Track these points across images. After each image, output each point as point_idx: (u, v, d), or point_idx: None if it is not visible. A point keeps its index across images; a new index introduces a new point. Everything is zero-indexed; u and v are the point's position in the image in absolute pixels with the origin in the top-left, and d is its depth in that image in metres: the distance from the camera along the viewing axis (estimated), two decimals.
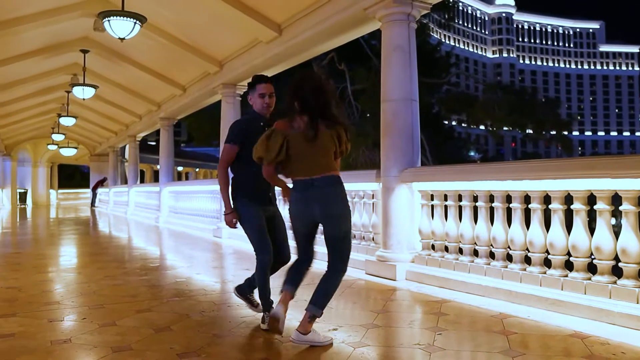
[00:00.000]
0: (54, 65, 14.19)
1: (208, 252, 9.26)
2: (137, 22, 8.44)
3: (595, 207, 4.35)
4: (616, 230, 4.25)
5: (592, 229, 4.44)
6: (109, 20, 8.35)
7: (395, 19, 6.37)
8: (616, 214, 4.44)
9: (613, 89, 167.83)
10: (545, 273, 4.70)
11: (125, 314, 4.47)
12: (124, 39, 8.52)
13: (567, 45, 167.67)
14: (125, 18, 8.35)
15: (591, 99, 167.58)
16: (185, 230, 13.19)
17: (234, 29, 9.66)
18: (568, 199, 4.61)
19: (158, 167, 17.05)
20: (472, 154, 67.40)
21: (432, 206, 5.96)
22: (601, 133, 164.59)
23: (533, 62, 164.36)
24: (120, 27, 8.39)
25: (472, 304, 4.77)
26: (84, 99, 14.14)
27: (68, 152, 29.40)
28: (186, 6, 9.57)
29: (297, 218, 3.68)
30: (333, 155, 3.64)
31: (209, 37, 10.65)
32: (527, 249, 4.92)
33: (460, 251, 5.63)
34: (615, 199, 4.29)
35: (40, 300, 5.14)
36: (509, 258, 5.12)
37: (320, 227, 3.72)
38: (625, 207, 4.14)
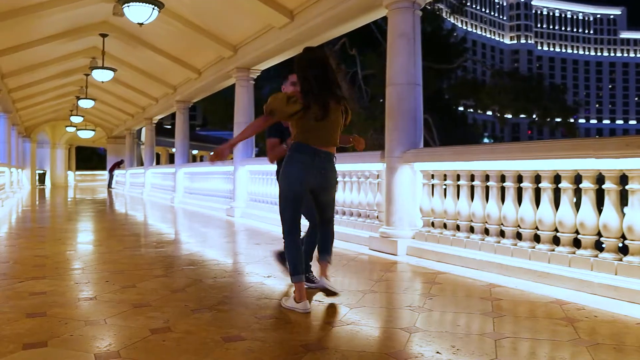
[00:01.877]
0: (73, 48, 14.62)
1: (221, 229, 9.68)
2: (155, 7, 8.82)
3: (580, 185, 4.66)
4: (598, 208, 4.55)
5: (577, 207, 4.75)
6: (128, 6, 8.74)
7: (400, 7, 6.66)
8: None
9: (634, 76, 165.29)
10: (534, 247, 5.02)
11: (144, 279, 4.88)
12: (142, 24, 8.89)
13: (587, 31, 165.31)
14: (143, 4, 8.72)
15: (610, 86, 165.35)
16: (200, 210, 13.64)
17: (247, 14, 9.98)
18: (557, 179, 4.91)
19: (173, 150, 17.51)
20: (486, 140, 67.25)
21: (433, 185, 6.30)
22: (620, 122, 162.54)
23: (552, 49, 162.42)
24: (138, 13, 8.77)
25: (465, 276, 5.11)
26: (102, 82, 14.59)
27: (86, 135, 30.04)
28: None
29: (295, 182, 3.87)
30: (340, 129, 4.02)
31: (224, 22, 10.98)
32: (519, 225, 5.24)
33: (458, 228, 5.96)
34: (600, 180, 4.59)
35: (66, 267, 5.59)
36: (502, 234, 5.44)
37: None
38: (607, 185, 4.44)
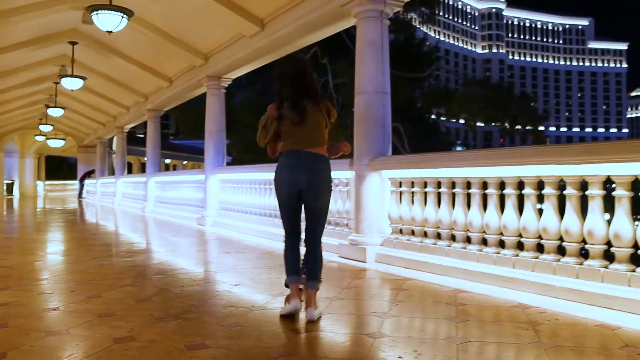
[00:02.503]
0: (42, 56, 14.41)
1: (191, 238, 9.61)
2: (125, 15, 8.75)
3: (543, 191, 4.76)
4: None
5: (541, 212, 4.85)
6: (97, 14, 8.65)
7: (368, 16, 6.74)
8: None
9: (601, 85, 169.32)
10: (499, 253, 5.11)
11: (110, 288, 4.83)
12: (111, 32, 8.82)
13: (556, 41, 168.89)
14: (112, 12, 8.65)
15: (579, 95, 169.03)
16: (171, 219, 13.52)
17: (218, 23, 9.98)
18: (521, 186, 5.02)
19: (145, 159, 17.38)
20: (459, 149, 68.06)
21: (400, 193, 6.36)
22: (588, 129, 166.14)
23: (522, 58, 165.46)
24: (107, 21, 8.69)
25: (432, 282, 5.16)
26: (72, 90, 14.39)
27: (56, 144, 29.55)
28: (172, 0, 9.87)
29: (284, 184, 3.93)
30: (324, 129, 4.03)
31: (195, 30, 10.96)
32: (484, 231, 5.33)
33: (425, 234, 6.03)
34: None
35: (32, 277, 5.49)
36: (469, 240, 5.52)
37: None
38: (568, 191, 4.55)
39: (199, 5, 9.28)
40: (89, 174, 30.06)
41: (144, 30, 11.06)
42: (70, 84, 13.61)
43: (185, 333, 3.42)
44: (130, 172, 35.71)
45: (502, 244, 5.18)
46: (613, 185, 4.27)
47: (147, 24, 10.94)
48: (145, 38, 11.56)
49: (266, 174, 8.96)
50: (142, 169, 36.99)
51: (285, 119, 3.92)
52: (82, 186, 30.30)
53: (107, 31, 8.78)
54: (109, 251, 7.77)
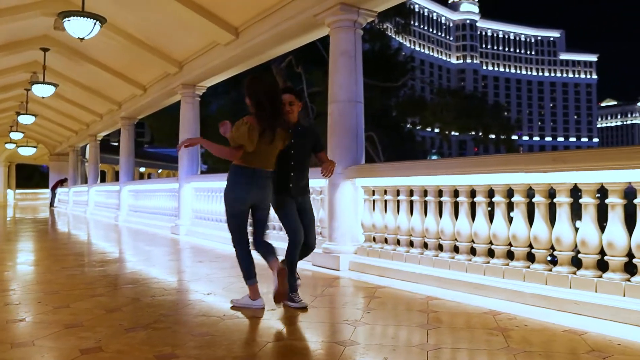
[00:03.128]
0: (13, 62, 14.18)
1: (165, 247, 9.51)
2: (97, 22, 8.65)
3: (512, 199, 4.84)
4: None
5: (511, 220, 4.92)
6: (68, 20, 8.54)
7: (342, 26, 6.79)
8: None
9: (572, 96, 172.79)
10: (470, 260, 5.16)
11: (79, 299, 4.74)
12: (83, 38, 8.72)
13: (528, 52, 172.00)
14: (85, 18, 8.54)
15: (551, 105, 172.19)
16: (144, 228, 13.37)
17: (193, 31, 9.94)
18: (492, 193, 5.08)
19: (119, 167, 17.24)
20: (434, 157, 68.72)
21: (374, 201, 6.39)
22: (560, 139, 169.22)
23: (496, 69, 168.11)
24: (79, 27, 8.59)
25: (405, 289, 5.18)
26: (43, 97, 14.17)
27: (27, 152, 29.03)
28: (146, 8, 9.80)
29: (239, 201, 4.26)
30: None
31: (169, 38, 10.90)
32: (456, 239, 5.38)
33: (398, 242, 6.06)
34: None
35: None
36: (441, 247, 5.57)
37: None
38: (537, 199, 4.63)
39: (173, 13, 9.24)
40: (61, 183, 29.60)
41: (118, 37, 10.96)
42: (42, 91, 13.40)
43: (155, 343, 3.38)
44: (103, 180, 35.22)
45: (473, 252, 5.24)
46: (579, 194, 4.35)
47: (121, 31, 10.85)
48: (118, 45, 11.45)
49: None
50: (116, 177, 36.52)
51: (264, 136, 4.14)
52: (53, 195, 29.82)
53: (79, 38, 8.67)
54: (80, 261, 7.64)
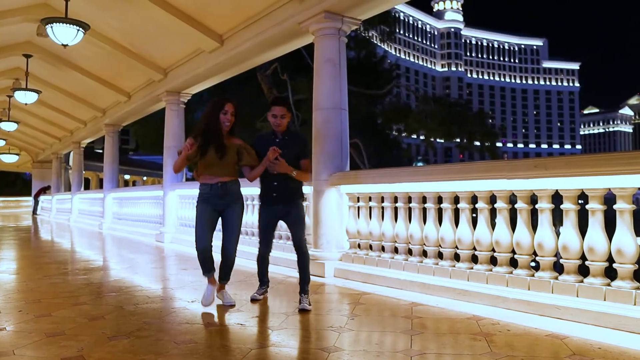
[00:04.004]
0: None
1: (149, 255, 9.44)
2: (81, 29, 8.63)
3: (495, 205, 4.88)
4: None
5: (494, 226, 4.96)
6: (51, 27, 8.50)
7: (326, 33, 6.83)
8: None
9: (555, 103, 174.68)
10: (454, 266, 5.19)
11: (61, 307, 4.69)
12: (67, 45, 8.67)
13: (512, 60, 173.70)
14: (68, 25, 8.51)
15: (535, 112, 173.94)
16: (129, 236, 13.26)
17: (178, 38, 9.92)
18: (475, 200, 5.12)
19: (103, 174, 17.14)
20: (419, 164, 69.06)
21: (358, 207, 6.41)
22: (544, 146, 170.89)
23: (480, 77, 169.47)
24: (63, 34, 8.55)
25: (389, 296, 5.20)
26: (26, 104, 14.04)
27: (9, 159, 28.75)
28: (131, 15, 9.77)
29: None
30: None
31: (154, 45, 10.87)
32: (440, 245, 5.41)
33: (383, 249, 6.08)
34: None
35: None
36: (425, 254, 5.60)
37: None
38: (519, 205, 4.67)
39: (158, 20, 9.22)
40: (44, 190, 29.28)
41: (102, 44, 10.90)
42: (24, 97, 13.30)
43: (137, 351, 3.35)
44: (87, 188, 34.92)
45: (457, 258, 5.27)
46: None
47: (105, 37, 10.80)
48: (102, 52, 11.39)
49: None
50: (100, 184, 36.24)
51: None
52: (36, 202, 29.48)
53: (63, 44, 8.63)
54: (63, 269, 7.55)
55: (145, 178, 48.79)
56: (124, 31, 10.67)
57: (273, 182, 4.73)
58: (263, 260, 5.07)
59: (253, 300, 4.91)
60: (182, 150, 4.51)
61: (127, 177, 45.44)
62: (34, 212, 29.11)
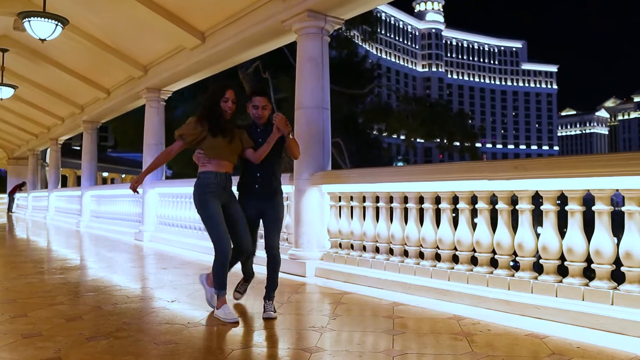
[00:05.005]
0: None
1: (128, 254, 9.33)
2: (59, 24, 8.49)
3: (476, 206, 4.91)
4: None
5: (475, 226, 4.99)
6: (29, 21, 8.35)
7: (309, 32, 6.81)
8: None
9: (534, 105, 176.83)
10: (435, 266, 5.22)
11: (37, 307, 4.60)
12: (44, 40, 8.53)
13: (492, 62, 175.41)
14: (46, 19, 8.37)
15: (514, 114, 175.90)
16: (107, 234, 13.11)
17: (158, 35, 9.82)
18: (456, 200, 5.15)
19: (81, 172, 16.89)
20: (400, 164, 69.41)
21: (340, 207, 6.41)
22: (523, 147, 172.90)
23: (460, 77, 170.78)
24: (40, 28, 8.40)
25: (371, 295, 5.21)
26: (1, 100, 13.79)
27: None
28: (111, 10, 9.64)
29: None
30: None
31: (134, 41, 10.75)
32: (421, 245, 5.43)
33: (364, 248, 6.09)
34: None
35: None
36: (406, 254, 5.61)
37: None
38: (499, 205, 4.71)
39: (138, 16, 9.11)
40: (19, 187, 28.82)
41: (81, 40, 10.75)
42: (0, 92, 13.04)
43: (117, 352, 3.30)
44: (64, 185, 34.44)
45: (438, 258, 5.29)
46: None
47: (84, 33, 10.64)
48: (81, 47, 11.23)
49: None
50: (78, 182, 35.78)
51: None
52: (12, 200, 29.00)
53: (40, 39, 8.48)
54: (39, 268, 7.42)
55: (124, 175, 48.25)
56: (104, 27, 10.53)
57: (256, 172, 4.40)
58: (247, 260, 4.75)
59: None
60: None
61: (105, 174, 44.89)
62: (9, 209, 28.62)
